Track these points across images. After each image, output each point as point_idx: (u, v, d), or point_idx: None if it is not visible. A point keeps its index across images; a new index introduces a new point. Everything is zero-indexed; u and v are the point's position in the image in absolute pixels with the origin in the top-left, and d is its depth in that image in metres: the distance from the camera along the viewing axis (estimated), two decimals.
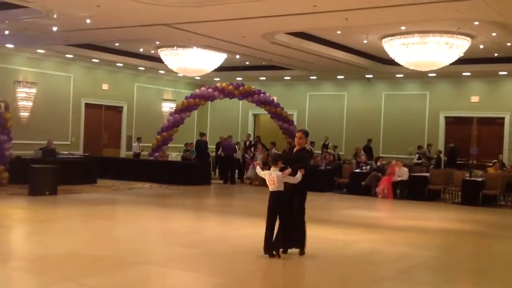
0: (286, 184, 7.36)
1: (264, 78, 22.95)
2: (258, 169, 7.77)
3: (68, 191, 13.83)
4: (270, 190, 7.43)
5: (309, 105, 23.27)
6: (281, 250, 7.37)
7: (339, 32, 14.44)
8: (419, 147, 19.41)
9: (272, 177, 7.36)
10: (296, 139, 7.84)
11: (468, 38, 13.93)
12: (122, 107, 22.14)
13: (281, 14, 11.97)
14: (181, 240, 8.55)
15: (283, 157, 7.73)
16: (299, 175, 7.36)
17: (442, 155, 19.39)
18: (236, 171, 19.10)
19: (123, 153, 22.01)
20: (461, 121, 20.48)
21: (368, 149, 19.94)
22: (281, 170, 7.39)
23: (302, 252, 7.54)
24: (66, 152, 17.41)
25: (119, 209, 12.45)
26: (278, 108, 18.96)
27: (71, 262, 6.83)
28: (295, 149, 7.76)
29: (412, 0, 10.39)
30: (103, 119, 21.53)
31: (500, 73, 18.67)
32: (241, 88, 18.36)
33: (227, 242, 8.53)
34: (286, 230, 7.41)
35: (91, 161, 16.85)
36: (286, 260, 7.35)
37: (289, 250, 7.51)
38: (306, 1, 10.75)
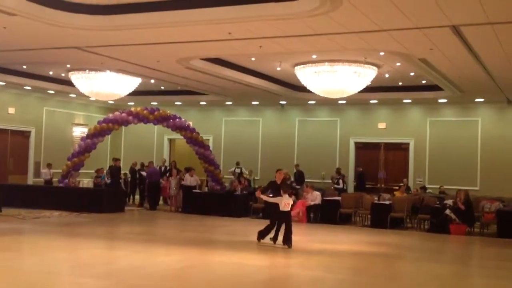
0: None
1: (179, 103, 22.88)
2: (265, 197, 11.16)
3: None
4: (282, 210, 10.81)
5: (224, 130, 23.41)
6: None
7: (253, 59, 14.71)
8: (338, 172, 19.81)
9: (289, 202, 10.92)
10: (282, 175, 11.38)
11: (374, 68, 14.64)
12: (29, 132, 21.21)
13: (196, 40, 12.04)
14: (92, 271, 8.24)
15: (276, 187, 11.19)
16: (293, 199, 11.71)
17: (347, 179, 20.08)
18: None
19: (31, 180, 21.02)
20: (370, 146, 21.36)
21: (299, 174, 20.23)
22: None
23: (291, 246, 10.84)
24: None
25: (26, 239, 11.83)
26: (194, 133, 18.91)
27: None
28: (279, 182, 11.15)
29: (321, 31, 10.80)
30: (9, 144, 20.49)
31: (404, 100, 19.72)
32: (156, 113, 18.16)
33: (141, 271, 8.33)
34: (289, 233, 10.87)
35: None
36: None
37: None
38: (221, 28, 10.90)
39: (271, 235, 11.20)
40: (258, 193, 11.58)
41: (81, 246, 10.72)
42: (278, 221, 11.06)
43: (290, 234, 10.85)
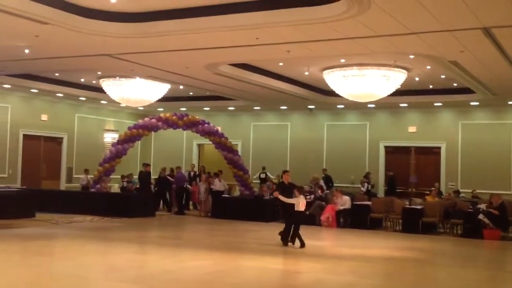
0: None
1: (208, 109, 23.01)
2: (283, 198, 11.50)
3: (4, 225, 13.24)
4: (297, 210, 11.37)
5: (253, 135, 23.45)
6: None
7: (281, 63, 14.72)
8: (366, 176, 19.70)
9: (304, 202, 11.67)
10: (289, 176, 12.07)
11: (404, 71, 14.47)
12: (62, 138, 21.62)
13: (224, 46, 12.10)
14: (123, 275, 8.33)
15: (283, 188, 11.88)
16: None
17: (376, 183, 19.95)
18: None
19: (63, 185, 21.40)
20: (400, 150, 21.09)
21: (327, 178, 20.14)
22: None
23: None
24: (3, 185, 16.76)
25: (59, 244, 12.02)
26: (223, 138, 18.96)
27: None
28: (287, 183, 11.90)
29: (349, 35, 10.74)
30: (42, 150, 20.93)
31: (435, 104, 19.44)
32: (185, 118, 18.29)
33: (172, 275, 8.38)
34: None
35: (29, 194, 16.23)
36: None
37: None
38: (248, 34, 10.94)
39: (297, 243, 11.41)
40: (276, 194, 12.02)
41: (112, 251, 10.86)
42: (295, 221, 11.43)
43: (298, 233, 11.36)
